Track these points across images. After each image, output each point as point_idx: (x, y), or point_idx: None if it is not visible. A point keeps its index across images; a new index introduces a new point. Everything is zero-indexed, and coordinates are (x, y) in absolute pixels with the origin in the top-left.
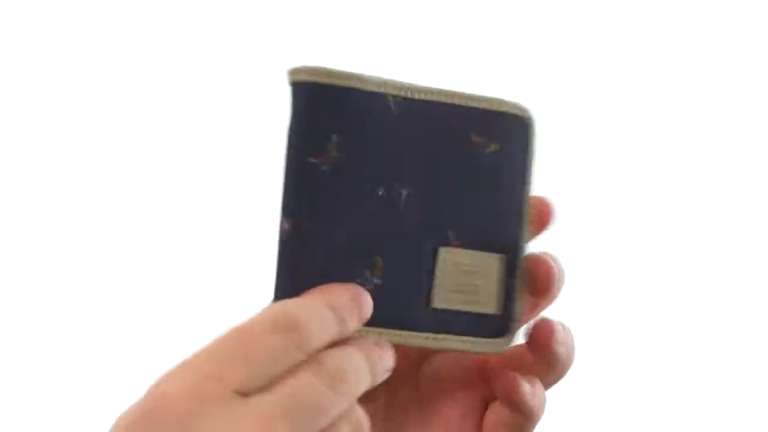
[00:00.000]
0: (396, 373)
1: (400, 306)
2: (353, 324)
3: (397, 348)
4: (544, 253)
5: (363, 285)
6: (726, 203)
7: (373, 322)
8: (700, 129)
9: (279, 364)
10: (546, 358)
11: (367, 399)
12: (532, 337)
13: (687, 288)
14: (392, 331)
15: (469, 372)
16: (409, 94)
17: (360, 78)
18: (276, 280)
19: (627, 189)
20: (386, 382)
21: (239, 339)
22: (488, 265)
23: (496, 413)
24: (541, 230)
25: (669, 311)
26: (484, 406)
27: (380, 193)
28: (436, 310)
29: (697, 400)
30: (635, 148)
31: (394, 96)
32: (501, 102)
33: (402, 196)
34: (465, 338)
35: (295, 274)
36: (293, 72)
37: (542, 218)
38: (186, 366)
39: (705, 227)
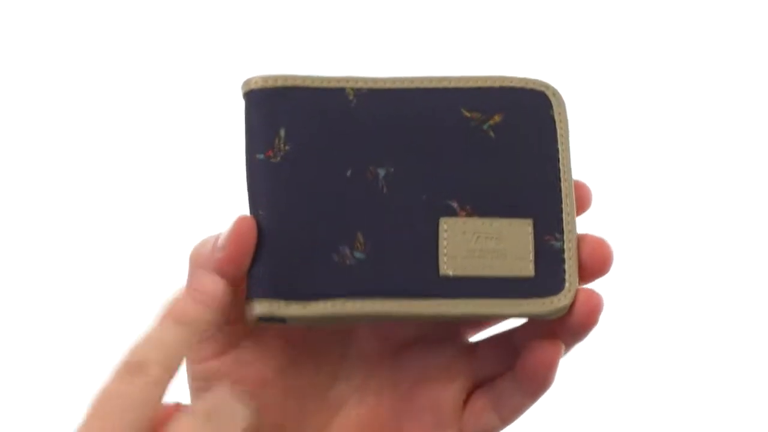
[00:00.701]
0: (373, 355)
1: (399, 278)
2: (207, 314)
3: (377, 330)
4: (600, 237)
5: (343, 260)
6: (729, 203)
7: (370, 294)
8: (703, 129)
9: (143, 406)
10: (585, 331)
11: (342, 378)
12: (578, 306)
13: (689, 287)
14: (396, 301)
15: (454, 359)
16: (371, 85)
17: (309, 78)
18: (251, 270)
19: (630, 187)
20: (363, 364)
21: (99, 400)
22: (513, 230)
23: (484, 399)
24: (578, 214)
25: (672, 311)
26: (464, 395)
27: (348, 174)
28: (448, 277)
29: (697, 400)
30: (639, 147)
31: (354, 89)
32: (497, 79)
33: (379, 176)
34: (495, 301)
35: (266, 262)
36: (243, 84)
37: (579, 202)
38: None
39: (707, 227)
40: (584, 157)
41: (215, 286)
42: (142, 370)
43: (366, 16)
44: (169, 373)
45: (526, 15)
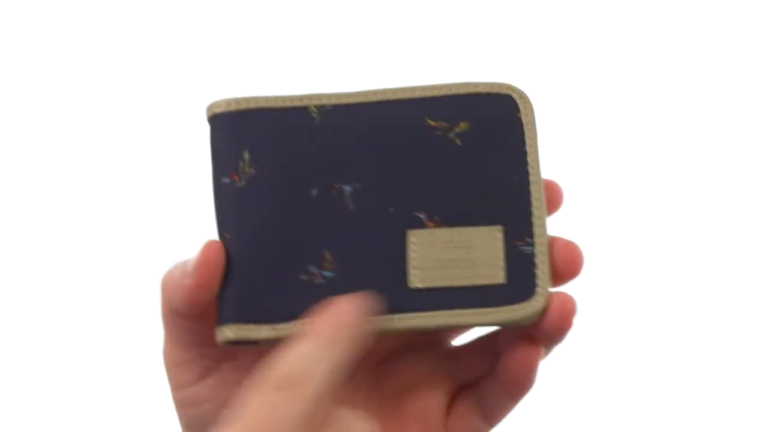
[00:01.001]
0: (357, 367)
1: (370, 293)
2: (356, 339)
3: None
4: (569, 240)
5: (312, 280)
6: (728, 203)
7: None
8: (700, 127)
9: (299, 425)
10: (560, 335)
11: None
12: (552, 310)
13: (688, 287)
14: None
15: (436, 365)
16: (335, 101)
17: (272, 99)
18: (220, 294)
19: (627, 185)
20: (349, 377)
21: (250, 413)
22: (482, 238)
23: (468, 402)
24: (550, 213)
25: (670, 310)
26: (449, 400)
27: (313, 193)
28: (418, 290)
29: (697, 401)
30: (635, 145)
31: (318, 106)
32: (462, 85)
33: (345, 193)
34: (466, 311)
35: (234, 286)
36: (207, 109)
37: (550, 201)
38: None
39: (706, 226)
40: (559, 156)
41: (358, 312)
42: (297, 385)
43: (339, 26)
44: (322, 392)
45: (501, 18)
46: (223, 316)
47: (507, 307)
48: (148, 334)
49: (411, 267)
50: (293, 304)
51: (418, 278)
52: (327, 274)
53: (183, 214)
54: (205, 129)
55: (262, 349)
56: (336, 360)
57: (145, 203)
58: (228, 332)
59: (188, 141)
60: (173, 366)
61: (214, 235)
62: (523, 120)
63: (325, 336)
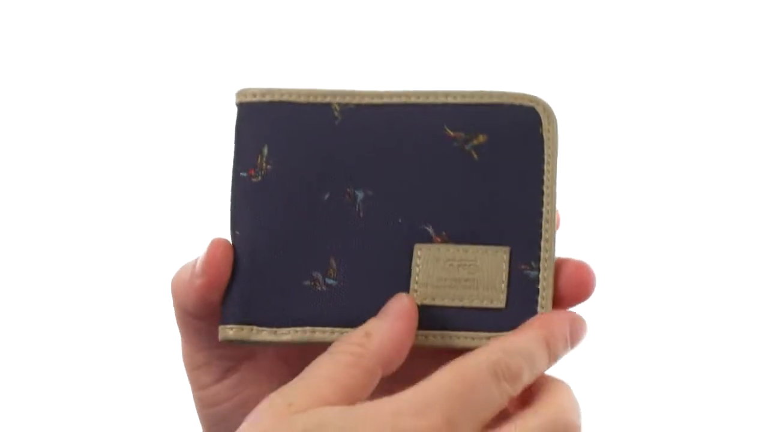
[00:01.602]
0: None
1: (370, 305)
2: (563, 354)
3: None
4: (580, 261)
5: (315, 286)
6: (728, 205)
7: (337, 323)
8: (701, 131)
9: (492, 410)
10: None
11: None
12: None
13: (688, 288)
14: None
15: None
16: (359, 100)
17: (297, 92)
18: (225, 293)
19: (629, 190)
20: None
21: (462, 381)
22: (488, 258)
23: None
24: None
25: (671, 312)
26: None
27: (326, 197)
28: (418, 307)
29: (697, 401)
30: (637, 150)
31: (341, 104)
32: (485, 94)
33: (357, 199)
34: (460, 333)
35: (239, 287)
36: (237, 95)
37: None
38: (423, 405)
39: (706, 229)
40: (577, 165)
41: (583, 335)
42: (514, 379)
43: (366, 26)
44: (523, 386)
45: (525, 22)
46: (226, 315)
47: (504, 334)
48: (167, 334)
49: (413, 282)
50: (294, 309)
51: (418, 295)
52: (330, 281)
53: (197, 214)
54: (220, 124)
55: (281, 348)
56: (542, 362)
57: (158, 203)
58: (229, 332)
59: (204, 138)
60: (193, 369)
61: (222, 233)
62: (545, 135)
63: (543, 338)
